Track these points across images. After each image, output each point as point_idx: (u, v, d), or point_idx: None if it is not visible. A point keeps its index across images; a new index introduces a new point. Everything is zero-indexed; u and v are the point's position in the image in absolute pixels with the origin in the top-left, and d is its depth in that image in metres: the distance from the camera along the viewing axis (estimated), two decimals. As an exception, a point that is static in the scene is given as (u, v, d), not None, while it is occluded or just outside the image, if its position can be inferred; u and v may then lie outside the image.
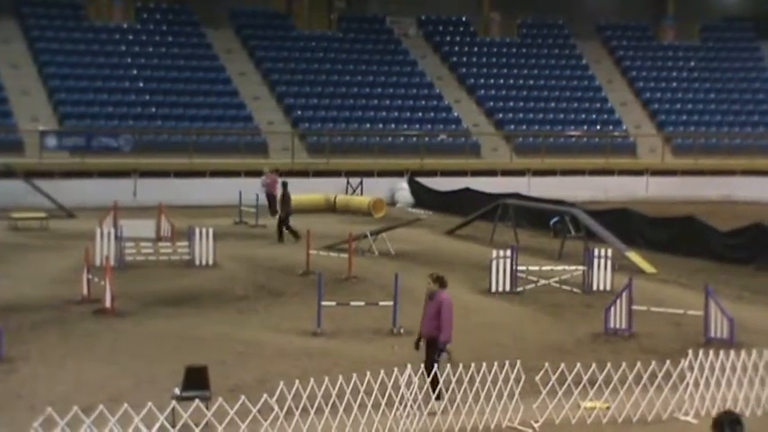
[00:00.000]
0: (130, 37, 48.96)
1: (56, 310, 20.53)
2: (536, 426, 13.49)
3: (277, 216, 32.25)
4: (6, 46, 46.37)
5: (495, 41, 54.90)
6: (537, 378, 14.09)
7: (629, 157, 49.76)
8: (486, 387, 13.59)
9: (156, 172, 41.24)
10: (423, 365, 14.00)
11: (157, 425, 11.94)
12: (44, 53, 46.53)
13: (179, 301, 21.76)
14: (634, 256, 27.02)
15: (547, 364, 14.21)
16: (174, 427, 12.45)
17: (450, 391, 13.58)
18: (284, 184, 32.27)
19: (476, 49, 54.15)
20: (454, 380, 13.62)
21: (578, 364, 14.27)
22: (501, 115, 50.59)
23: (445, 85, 51.59)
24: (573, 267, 24.37)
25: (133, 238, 26.80)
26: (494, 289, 22.99)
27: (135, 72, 47.21)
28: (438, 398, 13.70)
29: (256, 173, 38.76)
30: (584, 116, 51.82)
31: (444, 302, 14.26)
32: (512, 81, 52.68)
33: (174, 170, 41.92)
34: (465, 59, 53.37)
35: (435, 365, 13.95)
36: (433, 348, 14.17)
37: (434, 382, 13.74)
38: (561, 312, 21.28)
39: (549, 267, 24.73)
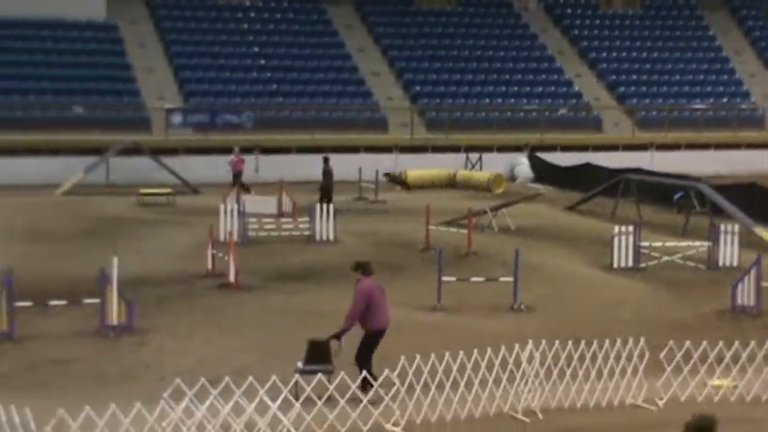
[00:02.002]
0: (253, 14, 49.57)
1: (182, 284, 21.00)
2: (660, 403, 13.29)
3: (243, 190, 32.67)
4: (134, 26, 47.45)
5: (617, 14, 53.86)
6: (661, 355, 13.86)
7: (757, 129, 48.34)
8: (609, 364, 13.44)
9: (278, 148, 41.77)
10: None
11: (281, 397, 12.15)
12: (170, 32, 47.48)
13: (301, 277, 22.04)
14: (762, 232, 26.33)
15: (671, 342, 13.98)
16: (297, 399, 12.64)
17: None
18: (325, 159, 32.50)
19: (597, 21, 53.23)
20: (575, 356, 13.44)
21: (704, 342, 14.00)
22: (623, 89, 49.68)
23: (566, 59, 50.87)
24: (698, 243, 23.93)
25: (256, 214, 27.24)
26: (616, 265, 22.71)
27: (257, 49, 47.81)
28: (364, 389, 12.65)
29: (376, 149, 38.81)
30: (710, 89, 50.52)
31: (357, 291, 13.56)
32: (634, 54, 51.63)
33: (296, 146, 42.42)
34: (586, 33, 52.52)
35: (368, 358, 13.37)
36: (364, 337, 13.61)
37: (367, 376, 12.92)
38: (686, 289, 20.89)
39: (672, 243, 24.31)
